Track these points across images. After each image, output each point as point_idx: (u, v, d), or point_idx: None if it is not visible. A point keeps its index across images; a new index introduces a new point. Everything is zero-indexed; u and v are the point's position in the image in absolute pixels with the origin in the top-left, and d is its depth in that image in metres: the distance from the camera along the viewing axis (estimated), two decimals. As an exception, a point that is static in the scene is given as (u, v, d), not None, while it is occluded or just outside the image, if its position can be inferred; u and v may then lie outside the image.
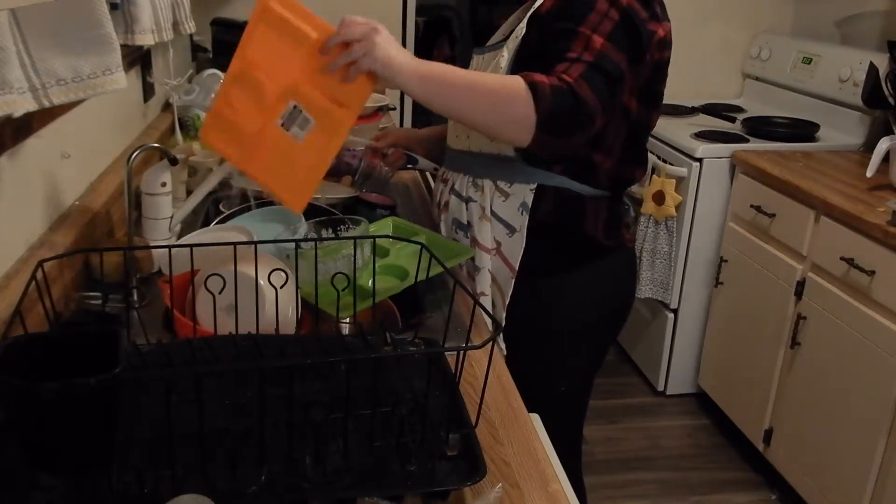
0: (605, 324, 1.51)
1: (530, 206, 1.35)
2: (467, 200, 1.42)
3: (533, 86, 1.18)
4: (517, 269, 1.38)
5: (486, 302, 1.40)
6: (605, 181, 1.38)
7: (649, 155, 2.67)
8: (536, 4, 1.33)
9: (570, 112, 1.19)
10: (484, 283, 1.40)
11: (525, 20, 1.33)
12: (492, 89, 1.20)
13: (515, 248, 1.37)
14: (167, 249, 1.12)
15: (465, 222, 1.43)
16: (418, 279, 1.23)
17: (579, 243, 1.40)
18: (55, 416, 0.72)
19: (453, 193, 1.45)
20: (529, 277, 1.38)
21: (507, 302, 1.39)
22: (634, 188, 2.08)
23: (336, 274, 1.14)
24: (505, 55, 1.34)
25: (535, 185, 1.35)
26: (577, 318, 1.44)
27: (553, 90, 1.18)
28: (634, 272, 1.57)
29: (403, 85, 1.17)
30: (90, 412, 0.73)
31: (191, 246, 1.09)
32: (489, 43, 1.47)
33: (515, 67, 1.32)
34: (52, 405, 0.71)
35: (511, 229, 1.37)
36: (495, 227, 1.39)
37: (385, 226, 1.50)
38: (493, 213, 1.38)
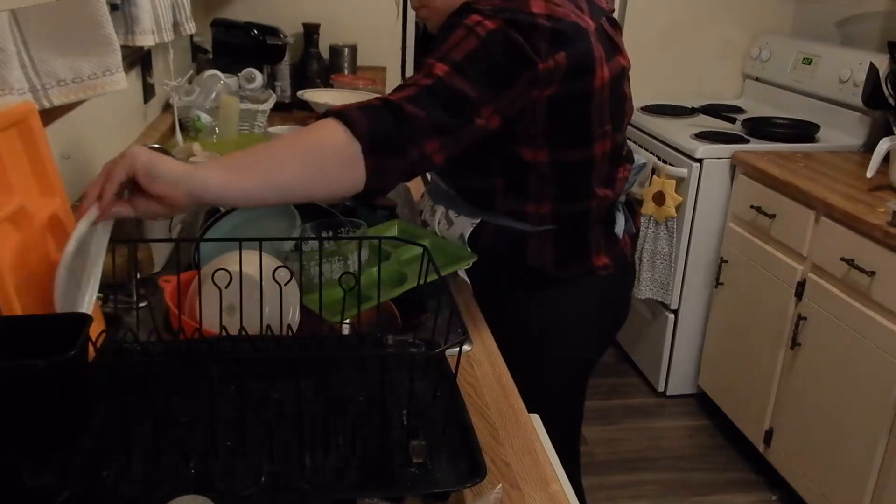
0: (575, 347, 1.45)
1: (467, 238, 1.37)
2: (423, 223, 1.49)
3: (339, 114, 1.06)
4: (472, 288, 1.41)
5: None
6: (547, 221, 1.33)
7: (649, 155, 2.70)
8: None
9: (393, 127, 1.08)
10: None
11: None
12: (298, 139, 1.06)
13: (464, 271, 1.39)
14: (170, 249, 1.12)
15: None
16: (419, 284, 1.22)
17: (523, 274, 1.37)
18: (8, 396, 0.75)
19: (423, 213, 1.52)
20: (493, 296, 1.40)
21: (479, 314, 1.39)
22: (635, 188, 2.08)
23: (344, 274, 1.14)
24: None
25: (477, 220, 1.36)
26: (543, 339, 1.42)
27: (365, 110, 1.08)
28: (611, 298, 1.45)
29: (202, 187, 0.94)
30: (43, 393, 0.76)
31: (196, 241, 1.09)
32: None
33: None
34: (5, 385, 0.74)
35: None
36: None
37: (390, 228, 1.50)
38: (441, 237, 1.42)
